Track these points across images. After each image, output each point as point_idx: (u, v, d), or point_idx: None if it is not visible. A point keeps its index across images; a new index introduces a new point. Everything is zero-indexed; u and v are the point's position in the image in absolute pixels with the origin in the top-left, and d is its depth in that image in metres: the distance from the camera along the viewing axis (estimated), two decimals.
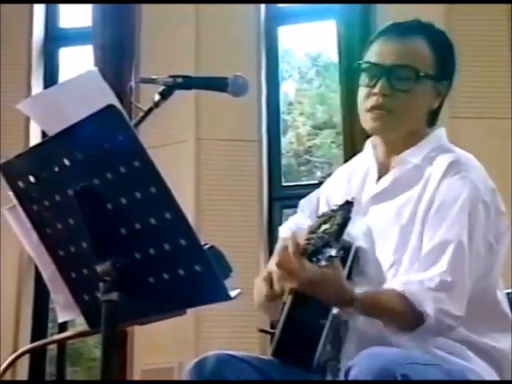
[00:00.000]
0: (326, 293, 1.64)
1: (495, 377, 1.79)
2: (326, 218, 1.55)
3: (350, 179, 2.02)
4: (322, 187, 2.15)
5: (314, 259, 1.51)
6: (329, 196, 2.09)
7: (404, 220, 1.82)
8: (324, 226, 1.53)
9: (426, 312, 1.67)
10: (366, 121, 1.89)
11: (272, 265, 2.01)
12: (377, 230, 1.85)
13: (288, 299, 1.90)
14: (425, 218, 1.78)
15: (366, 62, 1.89)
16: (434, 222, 1.77)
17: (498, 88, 3.89)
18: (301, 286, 1.64)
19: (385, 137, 1.93)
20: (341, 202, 1.55)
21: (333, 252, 1.48)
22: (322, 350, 1.84)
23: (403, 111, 1.86)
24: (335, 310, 1.83)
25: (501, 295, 1.86)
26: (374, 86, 1.86)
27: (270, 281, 1.95)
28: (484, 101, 3.86)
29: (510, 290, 2.01)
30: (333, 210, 1.55)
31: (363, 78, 1.90)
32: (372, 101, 1.86)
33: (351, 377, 1.57)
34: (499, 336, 1.83)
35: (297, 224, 2.13)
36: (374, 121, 1.87)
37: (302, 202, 2.19)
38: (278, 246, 2.12)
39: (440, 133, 1.94)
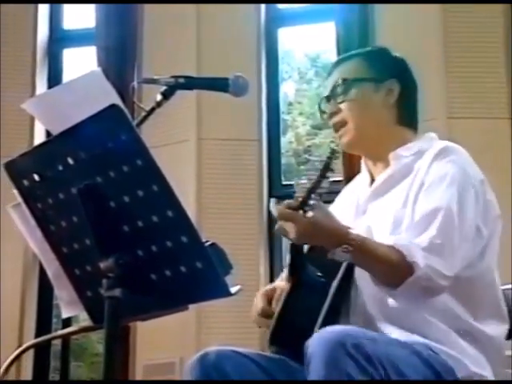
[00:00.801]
0: (324, 235, 1.70)
1: (484, 363, 1.79)
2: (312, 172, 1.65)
3: (354, 191, 2.09)
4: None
5: (302, 212, 1.63)
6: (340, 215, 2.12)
7: (398, 205, 1.85)
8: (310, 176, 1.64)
9: (416, 263, 1.68)
10: (341, 144, 2.00)
11: (278, 283, 2.02)
12: (375, 222, 1.88)
13: (284, 291, 1.91)
14: (416, 198, 1.82)
15: (319, 104, 2.07)
16: (423, 197, 1.81)
17: (495, 88, 3.89)
18: (299, 237, 1.70)
19: (358, 148, 2.02)
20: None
21: (315, 200, 1.60)
22: None
23: (355, 117, 1.97)
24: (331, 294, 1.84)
25: (496, 283, 1.87)
26: (324, 114, 2.03)
27: (268, 298, 1.97)
28: (480, 101, 3.86)
29: (509, 286, 2.01)
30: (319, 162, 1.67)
31: (321, 118, 2.08)
32: (332, 122, 2.00)
33: (307, 356, 1.59)
34: (489, 322, 1.83)
35: None
36: (342, 140, 1.98)
37: None
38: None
39: (432, 135, 2.00)
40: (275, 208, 1.70)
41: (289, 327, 1.87)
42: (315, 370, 1.56)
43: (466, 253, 1.77)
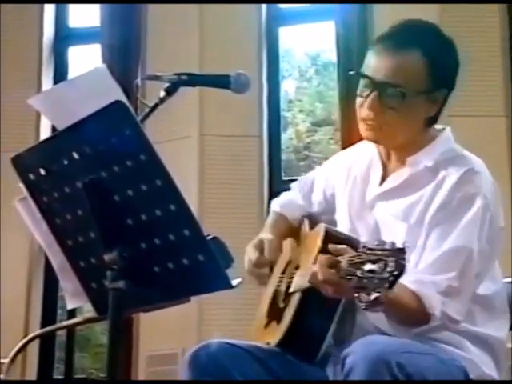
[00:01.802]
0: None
1: (492, 365, 1.79)
2: (374, 258, 1.42)
3: (351, 167, 2.01)
4: (319, 170, 2.16)
5: (356, 294, 1.45)
6: (328, 177, 2.09)
7: (413, 219, 1.79)
8: (370, 266, 1.42)
9: (434, 314, 1.68)
10: (361, 129, 1.87)
11: (264, 234, 2.01)
12: (384, 226, 1.85)
13: (297, 294, 1.90)
14: (434, 219, 1.75)
15: (361, 74, 1.84)
16: (446, 226, 1.74)
17: (491, 87, 3.88)
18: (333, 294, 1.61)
19: (381, 144, 1.91)
20: (391, 244, 1.44)
21: (380, 297, 1.41)
22: (327, 346, 1.84)
23: (392, 127, 1.81)
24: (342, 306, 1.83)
25: (496, 287, 1.85)
26: (365, 98, 1.82)
27: (260, 248, 1.96)
28: (477, 99, 3.85)
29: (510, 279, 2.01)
30: (382, 252, 1.43)
31: (361, 84, 1.85)
32: (363, 112, 1.83)
33: (347, 364, 1.56)
34: (495, 325, 1.83)
35: (290, 200, 2.14)
36: (366, 131, 1.85)
37: (295, 184, 2.20)
38: (270, 219, 2.11)
39: (448, 134, 1.90)
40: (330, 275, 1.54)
41: (300, 332, 1.85)
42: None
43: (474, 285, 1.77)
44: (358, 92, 1.85)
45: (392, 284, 1.41)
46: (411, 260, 1.75)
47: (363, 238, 1.81)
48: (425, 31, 1.88)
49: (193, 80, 1.93)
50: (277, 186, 4.21)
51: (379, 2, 4.01)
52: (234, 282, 1.45)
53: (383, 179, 1.91)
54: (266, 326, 2.01)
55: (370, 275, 1.41)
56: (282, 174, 4.33)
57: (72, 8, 4.79)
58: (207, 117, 4.13)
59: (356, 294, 1.45)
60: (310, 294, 1.82)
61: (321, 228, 1.83)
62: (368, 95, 1.80)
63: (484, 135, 3.70)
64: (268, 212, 4.06)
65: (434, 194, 1.78)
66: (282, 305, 1.95)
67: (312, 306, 1.83)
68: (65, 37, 4.71)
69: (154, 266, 1.46)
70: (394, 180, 1.87)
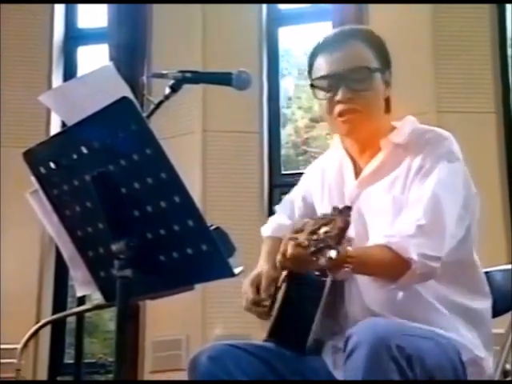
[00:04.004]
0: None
1: (481, 347, 1.78)
2: (327, 220, 1.49)
3: (323, 174, 2.02)
4: (296, 189, 2.15)
5: (314, 259, 1.47)
6: (306, 193, 2.08)
7: (396, 191, 1.81)
8: (324, 228, 1.48)
9: (411, 258, 1.66)
10: (338, 127, 1.88)
11: (261, 265, 2.00)
12: (372, 208, 1.84)
13: (283, 285, 1.89)
14: (412, 184, 1.78)
15: (321, 77, 1.86)
16: (417, 185, 1.77)
17: (481, 84, 3.87)
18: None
19: (358, 135, 1.89)
20: (339, 206, 1.51)
21: (333, 254, 1.44)
22: (316, 336, 1.83)
23: (368, 108, 1.84)
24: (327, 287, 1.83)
25: (476, 259, 1.86)
26: (334, 96, 1.83)
27: (256, 285, 1.94)
28: (468, 96, 3.84)
29: (502, 268, 2.01)
30: (332, 214, 1.50)
31: (319, 93, 1.88)
32: (338, 108, 1.83)
33: (350, 344, 1.56)
34: (476, 297, 1.83)
35: (279, 224, 2.13)
36: (346, 124, 1.85)
37: (278, 207, 2.20)
38: (265, 246, 2.10)
39: (412, 119, 1.93)
40: (291, 247, 1.56)
41: (288, 322, 1.85)
42: (357, 363, 1.54)
43: (454, 231, 1.75)
44: (323, 96, 1.87)
45: (339, 238, 1.46)
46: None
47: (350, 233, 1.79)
48: (353, 30, 1.95)
49: (196, 77, 1.93)
50: (276, 180, 4.22)
51: (375, 2, 4.00)
52: (236, 271, 1.44)
53: (357, 174, 1.91)
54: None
55: (324, 237, 1.46)
56: (282, 168, 4.33)
57: (81, 9, 4.79)
58: (210, 113, 4.13)
59: (314, 258, 1.46)
60: (293, 286, 1.83)
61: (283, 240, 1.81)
62: (337, 91, 1.83)
63: (474, 131, 3.69)
64: (269, 208, 4.10)
65: (410, 164, 1.80)
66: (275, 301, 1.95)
67: (295, 297, 1.83)
68: (74, 37, 4.71)
69: (160, 255, 1.46)
70: (370, 167, 1.88)
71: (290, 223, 2.09)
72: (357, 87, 1.83)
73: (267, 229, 2.14)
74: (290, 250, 1.57)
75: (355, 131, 1.87)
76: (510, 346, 1.86)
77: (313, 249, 1.47)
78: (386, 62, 1.90)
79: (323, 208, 1.93)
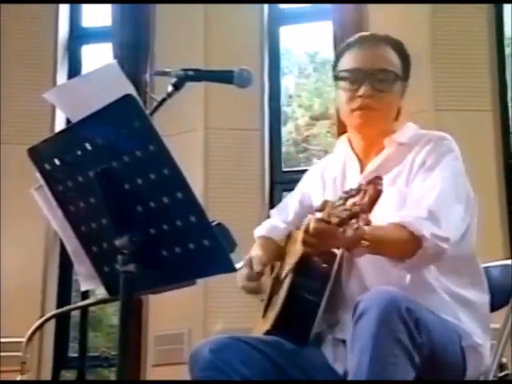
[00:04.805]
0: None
1: (480, 334, 1.80)
2: (352, 193, 1.47)
3: (323, 174, 2.05)
4: (292, 194, 2.16)
5: (342, 230, 1.44)
6: (303, 197, 2.09)
7: (401, 185, 1.85)
8: (351, 200, 1.46)
9: (424, 236, 1.68)
10: (353, 119, 1.92)
11: (253, 252, 2.01)
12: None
13: (288, 278, 1.89)
14: (416, 176, 1.83)
15: (347, 70, 1.93)
16: (423, 176, 1.81)
17: (479, 82, 3.87)
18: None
19: (367, 131, 1.94)
20: (368, 178, 1.51)
21: (361, 223, 1.40)
22: (319, 329, 1.83)
23: (385, 109, 1.91)
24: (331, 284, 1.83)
25: (478, 261, 1.89)
26: (356, 90, 1.89)
27: (249, 264, 1.96)
28: (466, 94, 3.84)
29: (499, 263, 2.02)
30: (361, 185, 1.48)
31: (343, 84, 1.93)
32: (357, 102, 1.89)
33: (359, 309, 1.57)
34: (475, 290, 1.85)
35: (273, 226, 2.13)
36: (361, 118, 1.90)
37: (273, 211, 2.20)
38: (257, 243, 2.09)
39: (412, 124, 1.99)
40: (314, 221, 1.53)
41: (293, 313, 1.84)
42: (367, 325, 1.54)
43: (459, 225, 1.78)
44: (345, 88, 1.92)
45: (371, 205, 1.43)
46: None
47: None
48: (386, 36, 2.02)
49: (199, 75, 1.92)
50: (277, 177, 4.22)
51: (375, 2, 3.99)
52: (238, 266, 1.44)
53: (362, 170, 1.95)
54: (263, 316, 2.01)
55: (351, 207, 1.44)
56: (282, 165, 4.33)
57: (85, 8, 4.79)
58: (212, 111, 4.13)
59: (341, 230, 1.43)
60: (299, 278, 1.82)
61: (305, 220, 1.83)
62: (359, 86, 1.88)
63: (471, 129, 3.69)
64: (270, 202, 4.10)
65: (414, 160, 1.85)
66: (275, 294, 1.94)
67: (301, 288, 1.83)
68: (78, 36, 4.70)
69: (162, 251, 1.46)
70: (374, 163, 1.92)
71: (284, 226, 2.11)
72: (379, 87, 1.89)
73: (260, 229, 2.15)
74: (313, 225, 1.55)
75: (368, 127, 1.92)
76: (506, 340, 1.86)
77: (337, 220, 1.43)
78: (407, 76, 1.98)
79: None
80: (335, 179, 2.00)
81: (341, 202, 1.47)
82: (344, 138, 2.03)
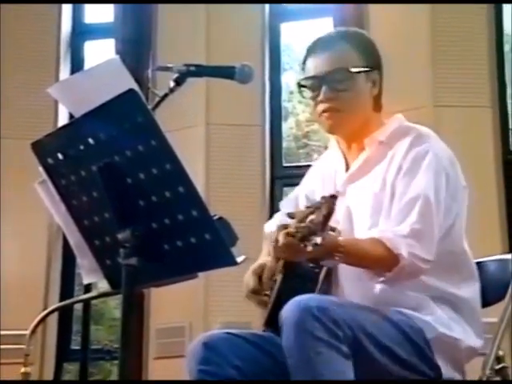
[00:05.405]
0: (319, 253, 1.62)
1: (454, 325, 1.79)
2: (313, 209, 1.53)
3: (324, 175, 2.05)
4: (300, 186, 2.16)
5: (302, 245, 1.51)
6: (308, 192, 2.10)
7: (376, 188, 1.84)
8: (311, 217, 1.52)
9: (401, 255, 1.68)
10: (323, 124, 1.94)
11: (263, 259, 2.01)
12: (355, 204, 1.88)
13: (278, 276, 1.89)
14: (394, 182, 1.81)
15: (305, 78, 1.95)
16: (402, 183, 1.80)
17: (477, 79, 3.86)
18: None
19: (341, 132, 1.96)
20: (326, 195, 1.56)
21: (318, 240, 1.47)
22: None
23: (348, 107, 1.90)
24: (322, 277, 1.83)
25: (466, 248, 1.88)
26: (318, 96, 1.91)
27: (258, 275, 1.95)
28: (464, 91, 3.83)
29: (496, 257, 2.01)
30: (319, 202, 1.54)
31: (308, 93, 1.95)
32: (321, 107, 1.91)
33: (280, 322, 1.61)
34: (464, 285, 1.84)
35: (281, 221, 2.13)
36: (328, 120, 1.91)
37: (283, 203, 2.21)
38: (269, 240, 2.11)
39: (398, 116, 1.97)
40: (282, 236, 1.58)
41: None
42: (286, 333, 1.59)
43: (442, 223, 1.78)
44: (309, 96, 1.94)
45: (323, 224, 1.49)
46: (380, 223, 1.79)
47: (339, 225, 1.80)
48: (342, 32, 2.01)
49: (200, 71, 1.92)
50: (278, 172, 4.22)
51: (375, 2, 3.98)
52: (239, 259, 1.44)
53: (347, 168, 1.96)
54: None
55: (309, 224, 1.49)
56: (283, 160, 4.33)
57: (88, 5, 4.78)
58: (213, 107, 4.12)
59: (302, 245, 1.49)
60: (287, 277, 1.83)
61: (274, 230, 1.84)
62: (319, 92, 1.90)
63: (470, 125, 3.69)
64: (271, 197, 4.10)
65: (390, 162, 1.85)
66: (272, 290, 1.95)
67: (289, 288, 1.84)
68: (81, 32, 4.70)
69: (164, 244, 1.46)
70: (356, 163, 1.93)
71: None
72: (338, 87, 1.89)
73: (271, 225, 2.15)
74: (280, 239, 1.59)
75: (337, 129, 1.94)
76: (503, 334, 1.86)
77: (299, 235, 1.50)
78: (373, 63, 1.95)
79: None
80: (329, 176, 2.02)
81: (304, 215, 1.53)
82: (332, 137, 2.04)
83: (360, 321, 1.64)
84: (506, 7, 4.03)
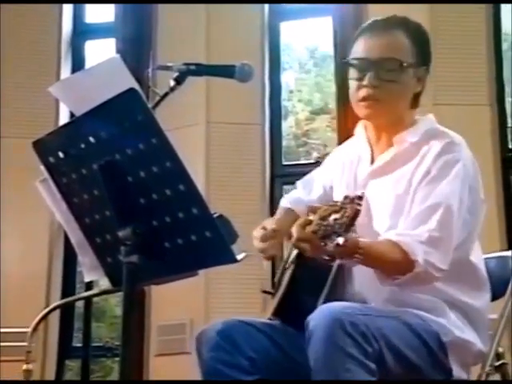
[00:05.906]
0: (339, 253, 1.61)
1: (466, 330, 1.79)
2: (337, 208, 1.50)
3: (344, 162, 2.02)
4: (318, 170, 2.15)
5: (322, 244, 1.49)
6: (325, 182, 2.08)
7: (400, 190, 1.81)
8: (334, 215, 1.48)
9: (418, 261, 1.66)
10: (360, 109, 1.88)
11: (267, 222, 2.01)
12: (375, 200, 1.84)
13: (290, 269, 1.89)
14: (418, 186, 1.77)
15: (354, 58, 1.88)
16: (427, 188, 1.76)
17: (476, 78, 3.87)
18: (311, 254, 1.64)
19: (376, 122, 1.91)
20: (351, 194, 1.51)
21: (341, 241, 1.45)
22: None
23: (391, 99, 1.85)
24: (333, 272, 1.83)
25: (478, 258, 1.86)
26: (363, 79, 1.84)
27: (263, 227, 1.97)
28: (464, 89, 3.83)
29: (496, 255, 2.01)
30: (344, 202, 1.50)
31: (352, 72, 1.88)
32: (363, 92, 1.85)
33: (308, 331, 1.59)
34: (475, 295, 1.83)
35: (298, 198, 2.13)
36: (366, 109, 1.86)
37: (300, 183, 2.19)
38: (278, 213, 2.11)
39: (430, 117, 1.93)
40: (300, 231, 1.57)
41: (293, 301, 1.85)
42: (315, 345, 1.56)
43: (458, 235, 1.76)
44: (353, 77, 1.87)
45: (347, 226, 1.46)
46: (400, 224, 1.76)
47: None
48: (402, 19, 1.93)
49: (200, 70, 1.92)
50: (277, 170, 4.22)
51: (375, 2, 3.97)
52: (239, 257, 1.44)
53: (372, 160, 1.92)
54: (272, 297, 2.01)
55: (333, 223, 1.47)
56: (283, 159, 4.33)
57: (88, 5, 4.78)
58: (213, 105, 4.12)
59: (323, 243, 1.47)
60: (301, 268, 1.83)
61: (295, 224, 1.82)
62: (365, 76, 1.84)
63: (468, 123, 3.68)
64: (271, 195, 4.10)
65: (418, 165, 1.80)
66: (282, 279, 1.95)
67: (302, 278, 1.83)
68: (82, 32, 4.70)
69: (165, 242, 1.45)
70: (382, 159, 1.89)
71: (308, 199, 2.09)
72: (385, 77, 1.83)
73: (285, 200, 2.15)
74: (299, 234, 1.57)
75: (373, 118, 1.89)
76: (503, 330, 1.86)
77: (321, 233, 1.47)
78: (423, 59, 1.90)
79: (340, 190, 1.95)
80: (351, 163, 1.97)
81: (327, 213, 1.50)
82: (362, 123, 1.99)
83: (383, 329, 1.62)
84: (504, 7, 4.03)
